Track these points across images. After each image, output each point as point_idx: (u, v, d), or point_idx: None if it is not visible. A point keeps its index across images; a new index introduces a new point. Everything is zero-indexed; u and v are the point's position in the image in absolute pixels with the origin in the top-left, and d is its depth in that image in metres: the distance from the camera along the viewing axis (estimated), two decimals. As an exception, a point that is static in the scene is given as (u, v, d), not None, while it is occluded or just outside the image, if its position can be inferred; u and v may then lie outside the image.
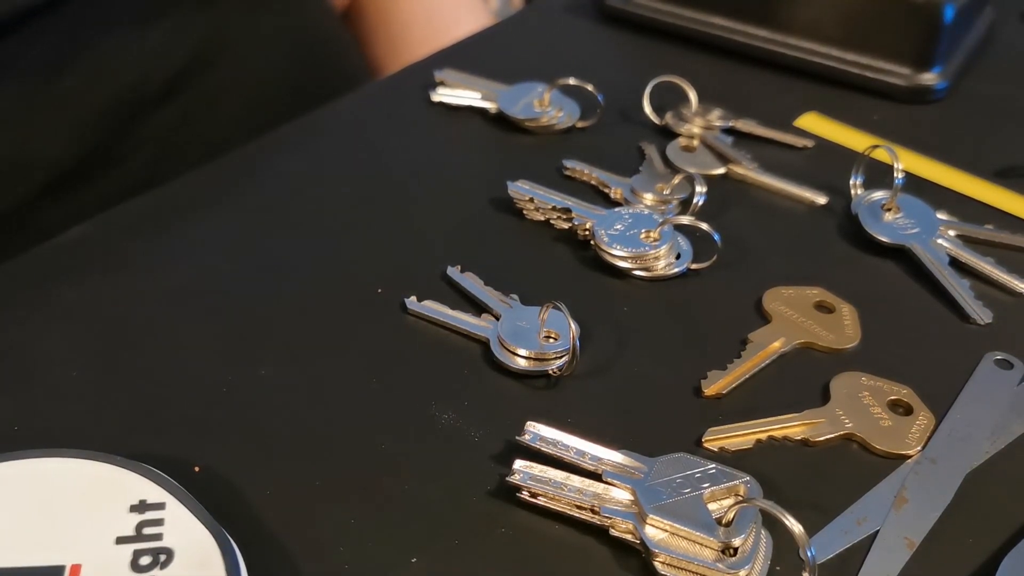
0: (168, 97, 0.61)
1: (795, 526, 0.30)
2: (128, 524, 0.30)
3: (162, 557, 0.29)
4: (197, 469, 0.33)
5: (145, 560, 0.29)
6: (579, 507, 0.32)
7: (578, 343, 0.37)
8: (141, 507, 0.30)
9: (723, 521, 0.30)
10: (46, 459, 0.32)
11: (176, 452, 0.34)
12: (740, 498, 0.31)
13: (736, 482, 0.32)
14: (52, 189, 0.56)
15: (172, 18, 0.61)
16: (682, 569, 0.30)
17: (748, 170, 0.49)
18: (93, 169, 0.57)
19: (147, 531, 0.29)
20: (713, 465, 0.32)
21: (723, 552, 0.30)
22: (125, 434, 0.35)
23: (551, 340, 0.38)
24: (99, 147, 0.58)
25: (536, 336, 0.38)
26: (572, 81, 0.52)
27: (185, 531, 0.29)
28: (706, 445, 0.35)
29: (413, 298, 0.40)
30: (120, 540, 0.29)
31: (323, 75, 0.68)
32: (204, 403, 0.36)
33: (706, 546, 0.30)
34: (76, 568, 0.29)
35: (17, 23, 0.54)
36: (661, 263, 0.43)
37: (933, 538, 0.32)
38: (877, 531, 0.32)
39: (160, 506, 0.30)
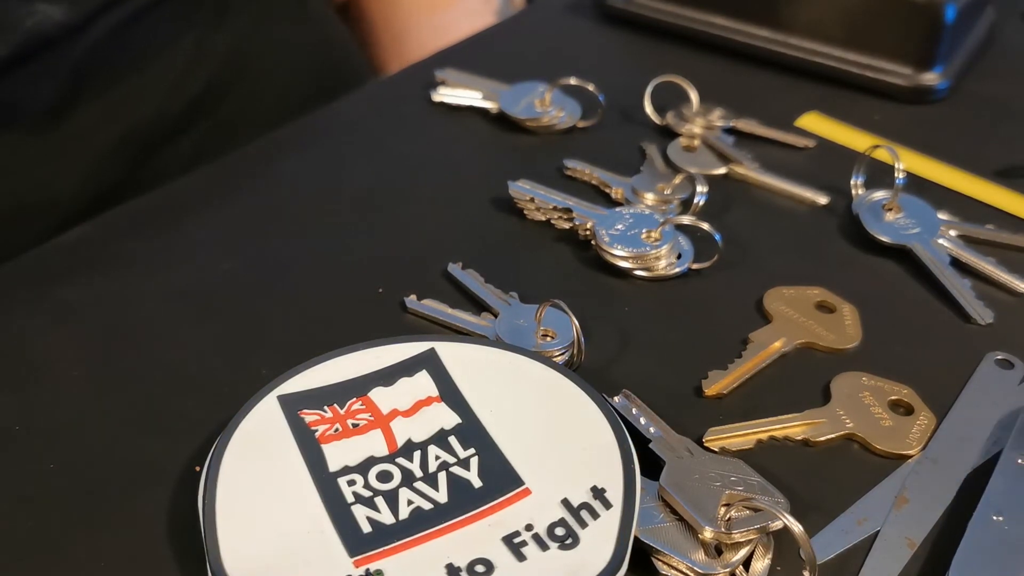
0: (183, 130, 0.60)
1: (795, 526, 0.30)
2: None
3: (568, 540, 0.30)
4: (197, 469, 0.33)
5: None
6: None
7: (583, 338, 0.37)
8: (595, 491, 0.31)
9: (723, 518, 0.30)
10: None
11: (176, 452, 0.34)
12: (745, 498, 0.31)
13: (765, 497, 0.31)
14: (65, 229, 0.50)
15: (189, 42, 0.59)
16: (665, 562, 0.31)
17: (749, 170, 0.49)
18: (109, 206, 0.53)
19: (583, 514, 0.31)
20: (759, 478, 0.32)
21: (717, 552, 0.30)
22: (125, 434, 0.35)
23: (548, 339, 0.38)
24: (115, 184, 0.57)
25: (533, 335, 0.38)
26: (573, 81, 0.52)
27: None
28: (707, 445, 0.35)
29: (413, 297, 0.40)
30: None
31: (333, 82, 0.67)
32: (204, 403, 0.36)
33: (697, 537, 0.30)
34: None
35: (28, 58, 0.53)
36: (662, 263, 0.43)
37: (934, 538, 0.32)
38: (878, 531, 0.32)
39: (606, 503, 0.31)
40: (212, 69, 0.61)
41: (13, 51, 0.52)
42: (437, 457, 0.32)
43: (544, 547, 0.30)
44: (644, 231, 0.43)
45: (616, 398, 0.36)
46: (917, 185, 0.47)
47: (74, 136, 0.55)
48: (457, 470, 0.32)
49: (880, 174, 0.47)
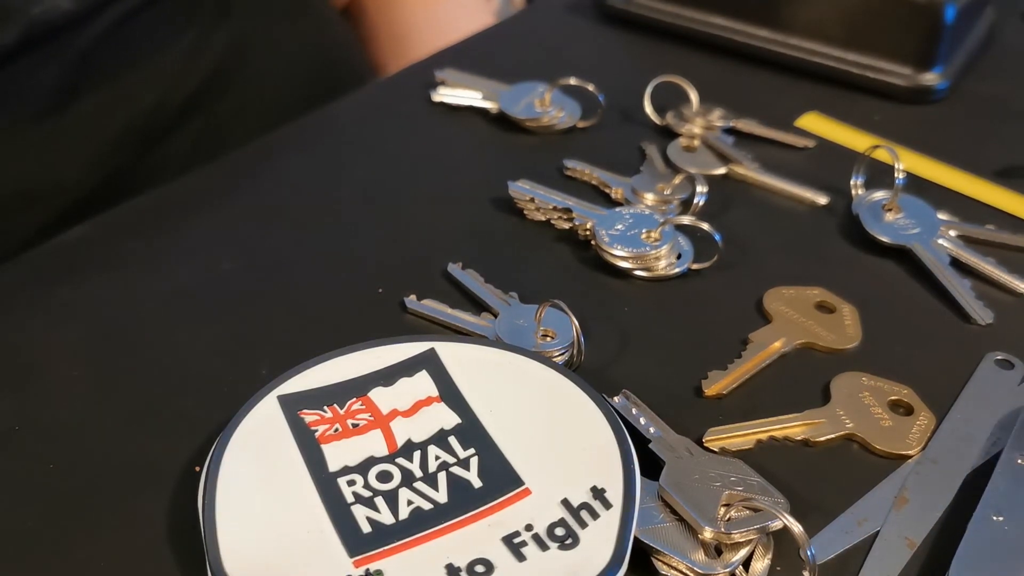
0: (182, 122, 0.60)
1: (795, 526, 0.30)
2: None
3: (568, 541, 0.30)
4: (197, 469, 0.33)
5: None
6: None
7: (582, 338, 0.37)
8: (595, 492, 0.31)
9: (723, 518, 0.30)
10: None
11: (176, 452, 0.34)
12: (745, 498, 0.31)
13: (764, 497, 0.31)
14: (67, 218, 0.52)
15: (191, 36, 0.60)
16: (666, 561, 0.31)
17: (749, 170, 0.49)
18: (109, 196, 0.53)
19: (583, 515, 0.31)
20: (759, 478, 0.32)
21: (717, 552, 0.30)
22: (125, 434, 0.35)
23: (548, 339, 0.38)
24: (114, 174, 0.57)
25: (533, 335, 0.38)
26: (573, 81, 0.52)
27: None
28: (707, 445, 0.35)
29: (413, 297, 0.40)
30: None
31: (333, 82, 0.67)
32: (204, 403, 0.36)
33: (697, 537, 0.30)
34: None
35: (33, 46, 0.53)
36: (662, 263, 0.43)
37: (934, 538, 0.32)
38: (878, 531, 0.32)
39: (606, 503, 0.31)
40: (212, 65, 0.60)
41: (19, 38, 0.52)
42: (437, 457, 0.32)
43: (544, 547, 0.30)
44: (644, 231, 0.43)
45: (616, 398, 0.36)
46: (917, 185, 0.47)
47: (76, 125, 0.55)
48: (457, 470, 0.32)
49: (880, 174, 0.47)
